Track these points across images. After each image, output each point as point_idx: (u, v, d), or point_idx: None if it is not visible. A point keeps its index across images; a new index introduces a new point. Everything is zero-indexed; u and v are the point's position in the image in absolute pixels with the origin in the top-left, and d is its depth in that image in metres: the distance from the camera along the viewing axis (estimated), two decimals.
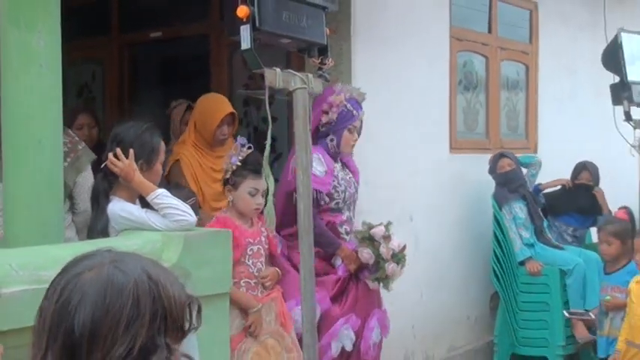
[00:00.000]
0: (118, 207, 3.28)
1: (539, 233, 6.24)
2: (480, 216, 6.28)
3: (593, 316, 5.21)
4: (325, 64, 3.29)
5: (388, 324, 4.66)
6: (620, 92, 5.73)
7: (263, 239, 4.14)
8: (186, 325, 1.37)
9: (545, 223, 6.41)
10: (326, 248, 4.40)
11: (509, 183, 6.20)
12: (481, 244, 6.30)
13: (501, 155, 6.22)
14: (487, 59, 6.74)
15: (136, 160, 3.30)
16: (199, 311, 1.43)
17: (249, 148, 3.99)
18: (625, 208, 5.87)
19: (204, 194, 4.48)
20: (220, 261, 3.40)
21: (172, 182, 4.32)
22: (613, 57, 5.74)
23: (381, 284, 4.47)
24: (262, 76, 3.14)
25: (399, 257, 4.41)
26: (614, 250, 5.11)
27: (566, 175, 6.82)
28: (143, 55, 6.70)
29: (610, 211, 6.44)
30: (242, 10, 3.01)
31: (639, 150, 5.92)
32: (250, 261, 4.03)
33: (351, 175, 4.77)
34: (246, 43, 3.06)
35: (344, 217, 4.63)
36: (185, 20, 6.31)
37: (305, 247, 3.20)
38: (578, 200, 6.62)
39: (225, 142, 4.64)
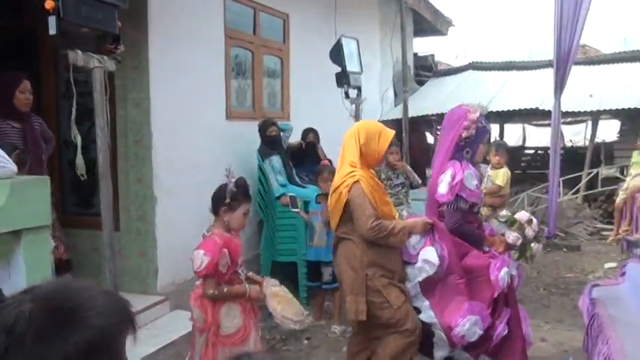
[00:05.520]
0: None
1: (290, 177, 6.40)
2: (249, 165, 6.31)
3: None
4: (118, 49, 3.13)
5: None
6: (342, 79, 5.97)
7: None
8: None
9: (293, 171, 6.57)
10: (477, 245, 3.79)
11: (273, 143, 6.28)
12: (250, 185, 6.31)
13: (272, 123, 6.29)
14: (253, 53, 6.74)
15: None
16: None
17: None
18: (327, 159, 6.24)
19: (378, 205, 3.53)
20: (40, 201, 3.18)
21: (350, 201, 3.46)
22: (337, 54, 5.96)
23: (523, 261, 3.98)
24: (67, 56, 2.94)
25: (538, 237, 3.96)
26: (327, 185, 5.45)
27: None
28: None
29: (329, 161, 6.72)
30: (49, 4, 2.83)
31: (355, 118, 6.20)
32: (240, 269, 3.52)
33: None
34: (53, 29, 2.86)
35: (480, 218, 4.09)
36: (23, 11, 5.68)
37: (103, 187, 3.03)
38: (308, 154, 6.81)
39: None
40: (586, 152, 10.93)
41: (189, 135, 5.55)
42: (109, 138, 3.13)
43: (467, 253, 3.71)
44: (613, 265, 7.38)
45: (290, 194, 5.80)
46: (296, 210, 5.67)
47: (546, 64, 11.14)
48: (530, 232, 3.84)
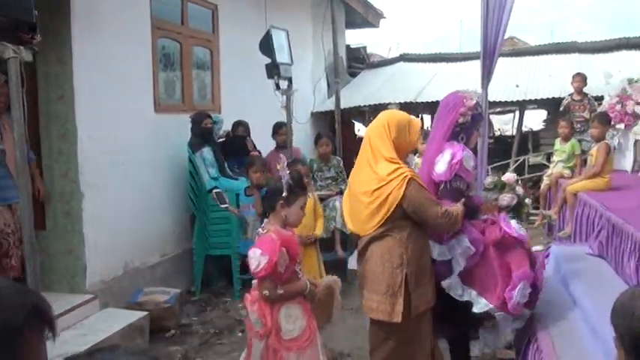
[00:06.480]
0: None
1: (221, 170, 6.37)
2: (179, 158, 6.24)
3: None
4: (35, 39, 3.02)
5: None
6: (272, 70, 5.93)
7: None
8: None
9: (225, 163, 6.54)
10: (474, 216, 3.70)
11: (205, 135, 6.25)
12: (180, 179, 6.29)
13: (206, 115, 6.27)
14: (181, 44, 6.64)
15: None
16: None
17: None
18: (257, 150, 6.45)
19: None
20: None
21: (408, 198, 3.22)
22: (267, 45, 5.92)
23: (518, 220, 3.86)
24: None
25: (526, 194, 3.98)
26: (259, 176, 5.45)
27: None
28: None
29: (259, 152, 6.74)
30: None
31: (286, 109, 6.19)
32: (298, 267, 3.25)
33: None
34: None
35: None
36: None
37: (22, 182, 2.93)
38: (237, 147, 6.80)
39: None
40: (514, 140, 11.32)
41: (116, 128, 5.44)
42: (27, 131, 3.01)
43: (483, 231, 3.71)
44: (539, 248, 7.68)
45: (216, 190, 5.78)
46: (224, 206, 5.66)
47: (475, 56, 11.39)
48: (520, 190, 3.91)
